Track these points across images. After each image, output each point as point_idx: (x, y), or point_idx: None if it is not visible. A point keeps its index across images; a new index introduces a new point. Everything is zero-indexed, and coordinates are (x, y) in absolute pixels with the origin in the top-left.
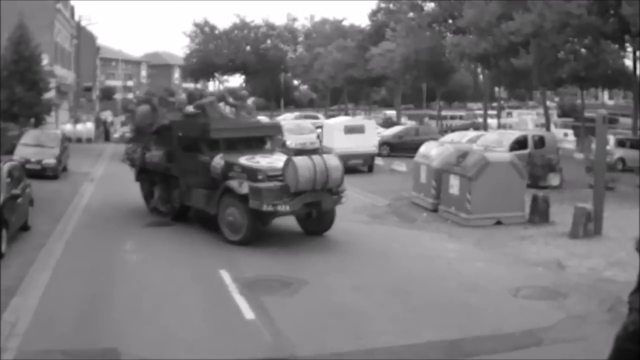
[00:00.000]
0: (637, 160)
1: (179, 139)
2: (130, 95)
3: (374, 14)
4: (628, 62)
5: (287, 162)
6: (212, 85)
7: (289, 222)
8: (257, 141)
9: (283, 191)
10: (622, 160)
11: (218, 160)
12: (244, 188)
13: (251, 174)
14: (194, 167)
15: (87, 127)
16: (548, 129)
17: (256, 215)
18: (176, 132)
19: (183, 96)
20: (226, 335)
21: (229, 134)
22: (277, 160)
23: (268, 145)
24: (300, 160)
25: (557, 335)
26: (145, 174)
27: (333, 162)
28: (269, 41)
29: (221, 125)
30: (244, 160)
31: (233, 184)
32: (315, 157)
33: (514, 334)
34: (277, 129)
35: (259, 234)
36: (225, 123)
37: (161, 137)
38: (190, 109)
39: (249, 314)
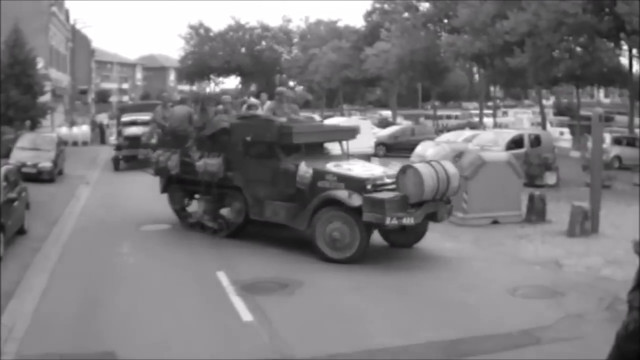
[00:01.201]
0: (633, 158)
1: (245, 145)
2: (125, 98)
3: (368, 14)
4: (623, 60)
5: (406, 170)
6: (208, 88)
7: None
8: (324, 147)
9: (404, 202)
10: (618, 158)
11: (305, 169)
12: (355, 200)
13: (355, 183)
14: (268, 176)
15: (82, 130)
16: (544, 127)
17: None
18: (240, 137)
19: (227, 97)
20: (224, 337)
21: (310, 138)
22: (370, 167)
23: (340, 151)
24: (423, 168)
25: (556, 334)
26: (177, 184)
27: (451, 169)
28: (263, 43)
29: (301, 128)
30: (333, 167)
31: (341, 195)
32: (435, 164)
33: (512, 334)
34: (355, 132)
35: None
36: (304, 126)
37: (215, 143)
38: (247, 110)
39: (246, 315)
